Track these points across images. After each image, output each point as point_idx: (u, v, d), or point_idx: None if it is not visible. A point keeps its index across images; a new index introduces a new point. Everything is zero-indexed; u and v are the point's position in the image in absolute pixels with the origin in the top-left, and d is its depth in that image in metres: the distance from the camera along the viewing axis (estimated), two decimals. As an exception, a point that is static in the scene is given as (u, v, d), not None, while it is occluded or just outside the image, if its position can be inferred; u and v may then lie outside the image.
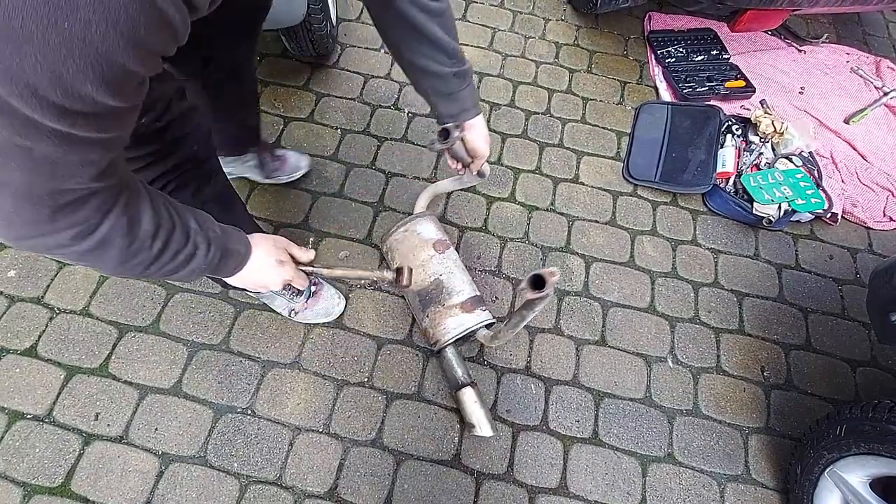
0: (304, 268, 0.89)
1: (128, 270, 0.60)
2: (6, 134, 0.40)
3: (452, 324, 1.28)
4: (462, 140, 1.08)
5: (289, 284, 0.87)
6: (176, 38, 0.46)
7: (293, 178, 1.68)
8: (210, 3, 0.50)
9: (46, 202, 0.47)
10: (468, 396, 1.27)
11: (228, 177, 1.63)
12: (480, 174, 1.21)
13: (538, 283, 0.80)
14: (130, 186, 0.57)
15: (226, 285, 0.98)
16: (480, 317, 1.30)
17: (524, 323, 1.02)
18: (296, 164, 1.67)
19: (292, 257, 0.87)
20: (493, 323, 1.33)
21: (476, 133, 1.07)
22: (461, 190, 1.71)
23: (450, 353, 1.31)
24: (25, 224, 0.48)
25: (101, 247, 0.54)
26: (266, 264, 0.82)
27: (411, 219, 1.42)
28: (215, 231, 0.70)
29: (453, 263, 1.37)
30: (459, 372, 1.30)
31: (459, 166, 1.18)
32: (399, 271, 0.97)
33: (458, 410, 1.35)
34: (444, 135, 0.99)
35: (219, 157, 1.58)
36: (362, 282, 1.06)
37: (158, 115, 0.84)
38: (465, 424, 1.30)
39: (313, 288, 1.41)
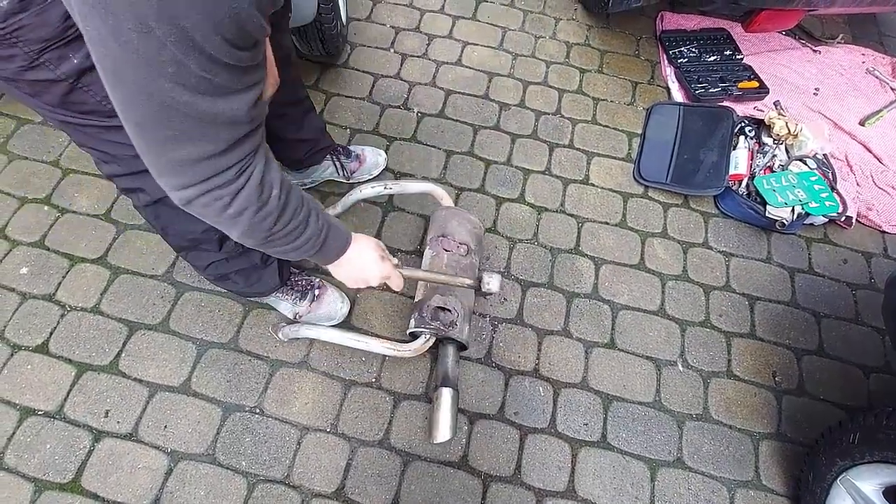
0: (399, 270, 0.99)
1: (257, 227, 0.68)
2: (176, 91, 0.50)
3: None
4: None
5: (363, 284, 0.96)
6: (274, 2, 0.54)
7: (374, 176, 1.68)
8: None
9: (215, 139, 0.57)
10: (436, 399, 1.26)
11: (310, 185, 1.65)
12: None
13: None
14: (267, 154, 0.66)
15: (327, 274, 1.05)
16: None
17: None
18: (374, 160, 1.67)
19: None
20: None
21: None
22: (471, 190, 1.71)
23: (447, 351, 1.32)
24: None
25: (236, 200, 0.63)
26: (369, 257, 0.91)
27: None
28: (320, 209, 0.79)
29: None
30: (438, 371, 1.31)
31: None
32: (480, 280, 1.13)
33: (463, 411, 1.35)
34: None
35: (299, 171, 1.58)
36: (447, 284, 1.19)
37: None
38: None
39: (317, 292, 1.41)
